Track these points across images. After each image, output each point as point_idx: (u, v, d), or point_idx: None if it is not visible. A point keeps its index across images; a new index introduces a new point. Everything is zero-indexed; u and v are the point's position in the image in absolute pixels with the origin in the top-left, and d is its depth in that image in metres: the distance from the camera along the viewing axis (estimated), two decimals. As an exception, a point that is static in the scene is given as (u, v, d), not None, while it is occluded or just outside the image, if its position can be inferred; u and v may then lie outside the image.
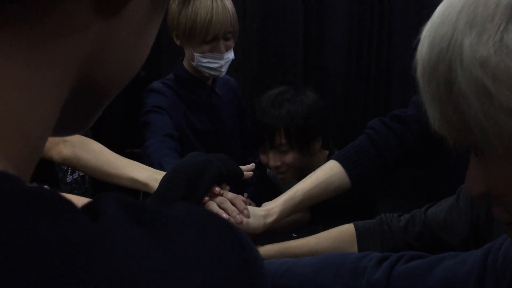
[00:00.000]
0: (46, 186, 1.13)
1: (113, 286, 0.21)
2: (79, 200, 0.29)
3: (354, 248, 0.97)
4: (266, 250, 0.99)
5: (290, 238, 1.08)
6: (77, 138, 1.14)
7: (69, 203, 0.23)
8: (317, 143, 1.44)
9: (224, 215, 0.94)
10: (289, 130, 1.36)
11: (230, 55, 1.45)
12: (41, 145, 0.27)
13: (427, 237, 0.91)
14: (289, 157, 1.40)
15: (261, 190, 1.63)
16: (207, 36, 1.37)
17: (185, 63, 1.53)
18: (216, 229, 0.26)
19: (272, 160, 1.41)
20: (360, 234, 0.97)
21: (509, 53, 0.37)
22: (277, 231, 1.13)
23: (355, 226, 0.99)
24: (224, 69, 1.47)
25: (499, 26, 0.38)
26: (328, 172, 1.08)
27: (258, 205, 1.10)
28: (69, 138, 1.13)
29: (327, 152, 1.49)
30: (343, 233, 0.99)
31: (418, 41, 0.46)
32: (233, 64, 1.51)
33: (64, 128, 0.31)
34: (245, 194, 1.36)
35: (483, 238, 0.81)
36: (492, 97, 0.38)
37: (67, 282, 0.21)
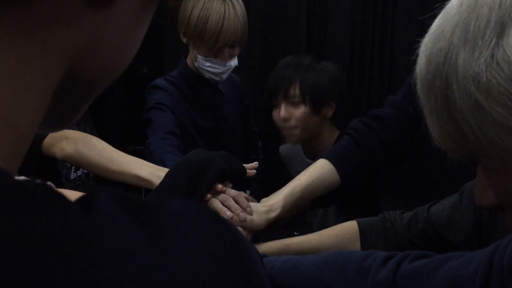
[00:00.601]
0: (49, 183, 1.13)
1: (113, 286, 0.21)
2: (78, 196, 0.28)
3: (357, 245, 0.97)
4: (268, 247, 0.99)
5: (292, 236, 1.08)
6: (79, 135, 1.14)
7: (62, 198, 0.23)
8: (329, 108, 1.49)
9: (228, 213, 0.94)
10: (305, 82, 1.43)
11: (233, 62, 1.44)
12: (29, 138, 0.27)
13: (430, 235, 0.91)
14: (300, 111, 1.44)
15: (264, 186, 1.63)
16: (216, 45, 1.36)
17: (188, 61, 1.53)
18: (212, 226, 0.26)
19: (283, 111, 1.46)
20: (363, 231, 0.97)
21: (500, 69, 0.37)
22: (279, 222, 1.14)
23: (358, 223, 0.99)
24: (225, 76, 1.47)
25: (490, 42, 0.38)
26: (320, 169, 1.12)
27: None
28: (71, 135, 1.13)
29: (338, 132, 1.53)
30: (345, 231, 0.99)
31: (417, 55, 0.47)
32: (236, 62, 1.51)
33: (51, 122, 0.30)
34: (247, 191, 1.37)
35: (486, 237, 0.81)
36: (485, 112, 0.39)
37: (68, 282, 0.20)
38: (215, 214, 0.28)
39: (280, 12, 2.46)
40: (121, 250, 0.22)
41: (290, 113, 1.46)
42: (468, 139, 0.41)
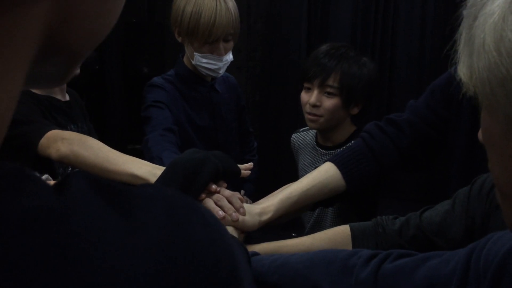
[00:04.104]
0: (46, 175, 1.13)
1: (82, 262, 0.22)
2: None
3: (349, 249, 0.97)
4: (261, 248, 0.99)
5: (289, 237, 1.07)
6: (75, 136, 1.14)
7: (37, 179, 0.24)
8: (357, 107, 1.48)
9: (220, 212, 0.94)
10: (346, 76, 1.42)
11: (229, 57, 1.47)
12: (6, 122, 0.27)
13: (421, 241, 0.90)
14: (332, 102, 1.43)
15: (259, 187, 1.64)
16: (210, 38, 1.39)
17: (185, 60, 1.55)
18: (183, 208, 0.27)
19: (315, 97, 1.44)
20: (355, 235, 0.97)
21: None
22: (275, 222, 1.13)
23: (351, 227, 0.99)
24: (222, 71, 1.49)
25: None
26: (324, 173, 1.10)
27: (256, 201, 1.10)
28: (67, 136, 1.13)
29: (354, 127, 1.52)
30: (338, 234, 0.99)
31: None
32: (236, 63, 1.52)
33: (35, 83, 0.31)
34: (242, 191, 1.37)
35: (478, 243, 0.81)
36: None
37: (37, 259, 0.21)
38: (186, 197, 0.28)
39: (281, 13, 2.47)
40: (90, 228, 0.23)
41: (321, 101, 1.44)
42: None
